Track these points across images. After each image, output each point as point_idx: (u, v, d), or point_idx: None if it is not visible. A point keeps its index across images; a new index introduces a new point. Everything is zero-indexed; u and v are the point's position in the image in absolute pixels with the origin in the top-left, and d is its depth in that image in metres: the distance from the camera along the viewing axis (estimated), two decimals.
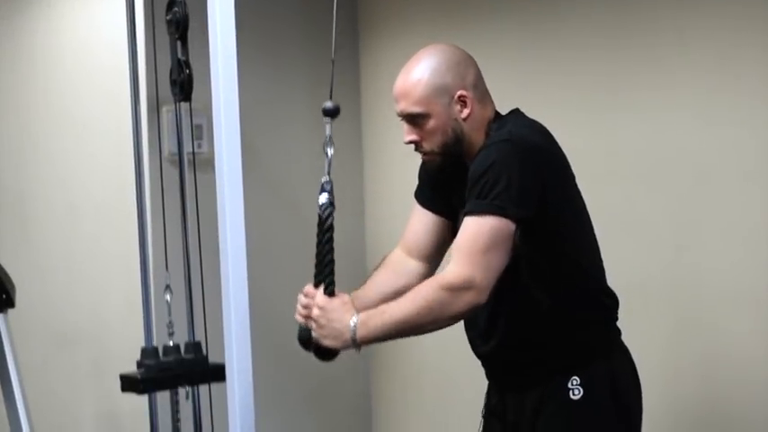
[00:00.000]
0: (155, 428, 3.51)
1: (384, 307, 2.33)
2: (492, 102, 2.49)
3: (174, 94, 3.44)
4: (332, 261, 2.39)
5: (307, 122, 4.07)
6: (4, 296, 3.10)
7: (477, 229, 2.27)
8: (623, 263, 3.38)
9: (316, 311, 2.35)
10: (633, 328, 3.36)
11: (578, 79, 3.54)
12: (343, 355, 3.84)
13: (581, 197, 2.49)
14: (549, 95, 3.60)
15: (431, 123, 2.40)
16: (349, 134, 4.28)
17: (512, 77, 3.72)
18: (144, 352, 3.37)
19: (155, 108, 3.69)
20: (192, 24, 3.30)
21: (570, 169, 2.46)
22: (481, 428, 2.62)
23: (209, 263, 3.28)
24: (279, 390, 4.07)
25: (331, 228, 2.38)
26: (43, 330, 4.42)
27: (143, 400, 3.54)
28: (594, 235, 2.52)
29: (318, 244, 2.40)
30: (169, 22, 3.37)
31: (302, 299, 2.43)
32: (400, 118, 2.45)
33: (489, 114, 2.46)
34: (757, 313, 3.11)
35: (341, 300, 2.37)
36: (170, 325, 3.39)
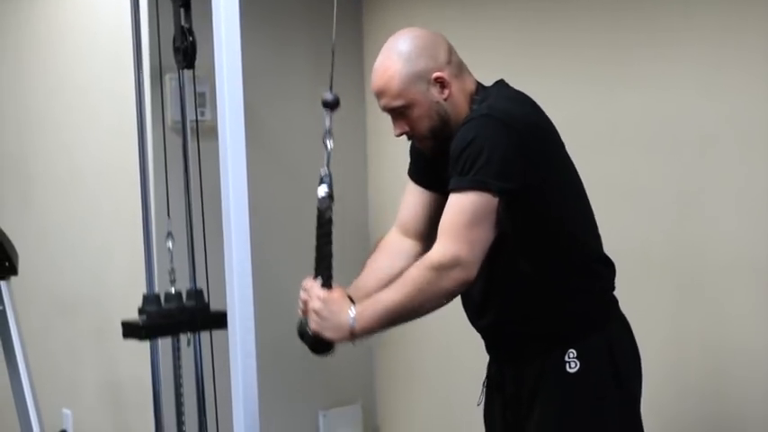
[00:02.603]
0: (156, 376, 3.52)
1: (377, 295, 2.33)
2: (470, 73, 2.47)
3: (178, 62, 3.44)
4: (330, 254, 2.39)
5: (310, 90, 4.05)
6: (6, 263, 3.11)
7: (459, 205, 2.27)
8: (625, 232, 3.39)
9: (316, 304, 2.35)
10: (635, 296, 3.36)
11: (581, 49, 3.53)
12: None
13: (571, 166, 2.47)
14: (552, 66, 3.60)
15: (415, 112, 2.39)
16: (352, 117, 4.28)
17: (515, 50, 3.72)
18: (145, 299, 3.36)
19: (158, 75, 3.68)
20: None
21: (558, 138, 2.44)
22: (483, 399, 2.63)
23: (211, 230, 3.29)
24: (280, 340, 4.08)
25: (330, 221, 2.38)
26: (45, 297, 4.43)
27: (144, 365, 3.55)
28: (588, 203, 2.50)
29: (317, 237, 2.39)
30: None
31: (302, 293, 2.42)
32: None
33: (470, 87, 2.45)
34: (758, 282, 3.11)
35: (339, 292, 2.37)
36: (172, 272, 3.38)
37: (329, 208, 2.37)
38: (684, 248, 3.31)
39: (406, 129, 2.43)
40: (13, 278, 3.13)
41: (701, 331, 3.27)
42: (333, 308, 2.34)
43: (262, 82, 4.00)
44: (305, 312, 2.40)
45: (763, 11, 3.07)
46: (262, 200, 3.49)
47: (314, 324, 2.36)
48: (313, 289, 2.38)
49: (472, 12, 3.86)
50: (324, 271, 2.39)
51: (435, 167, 2.45)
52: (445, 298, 2.31)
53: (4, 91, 4.69)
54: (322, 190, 2.37)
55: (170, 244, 3.42)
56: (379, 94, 2.42)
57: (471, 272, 2.27)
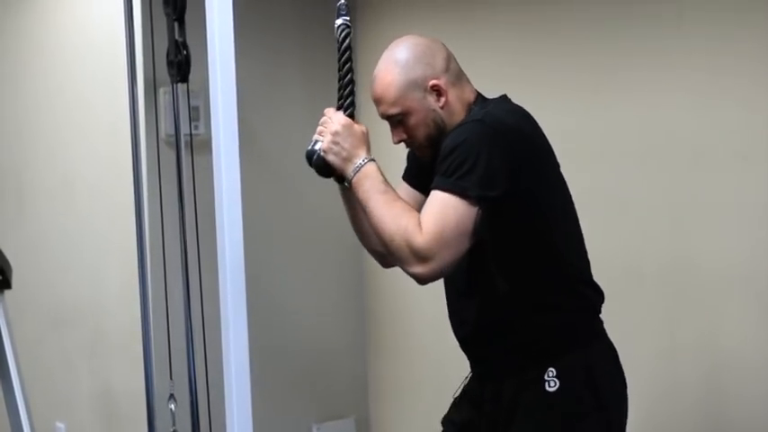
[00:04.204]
0: (149, 389, 3.52)
1: (388, 192, 2.30)
2: (469, 83, 2.47)
3: (171, 76, 3.45)
4: (352, 81, 2.38)
5: (304, 104, 4.07)
6: (0, 277, 3.10)
7: (441, 206, 2.25)
8: (618, 243, 3.40)
9: (338, 127, 2.34)
10: (628, 308, 3.38)
11: (575, 60, 3.54)
12: (340, 322, 3.88)
13: (563, 187, 2.45)
14: (546, 76, 3.61)
15: (412, 120, 2.40)
16: None
17: (509, 59, 3.73)
18: None
19: (152, 89, 3.69)
20: (190, 5, 3.29)
21: (552, 157, 2.43)
22: (449, 410, 2.60)
23: (205, 245, 3.29)
24: (274, 354, 4.09)
25: (349, 48, 2.38)
26: (39, 309, 4.43)
27: (139, 379, 3.55)
28: (578, 226, 2.47)
29: (339, 67, 2.38)
30: (166, 3, 3.37)
31: (322, 118, 2.41)
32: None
33: (468, 96, 2.45)
34: (752, 293, 3.12)
35: (362, 129, 2.37)
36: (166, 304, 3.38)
37: (348, 35, 2.38)
38: (677, 260, 3.31)
39: (404, 136, 2.43)
40: (6, 291, 3.13)
41: (694, 343, 3.28)
42: (352, 140, 2.35)
43: (255, 96, 4.01)
44: (320, 133, 2.39)
45: (755, 21, 3.08)
46: (255, 213, 3.50)
47: (326, 144, 2.35)
48: (337, 115, 2.38)
49: (466, 22, 3.87)
50: (346, 99, 2.39)
51: (430, 171, 2.42)
52: (398, 265, 2.30)
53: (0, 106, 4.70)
54: (339, 20, 2.38)
55: (164, 258, 3.42)
56: (377, 102, 2.42)
57: (435, 273, 2.26)
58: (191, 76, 3.41)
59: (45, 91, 4.38)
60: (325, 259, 4.25)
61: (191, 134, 3.54)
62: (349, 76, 2.38)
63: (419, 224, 2.24)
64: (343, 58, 2.38)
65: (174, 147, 3.53)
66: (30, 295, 4.30)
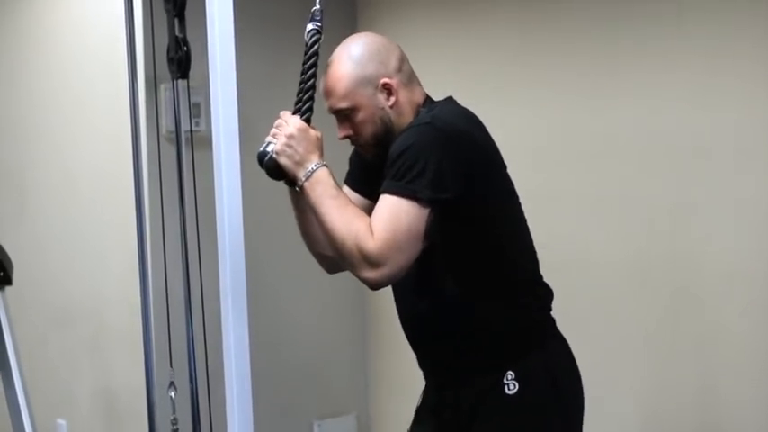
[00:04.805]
0: (150, 385, 3.51)
1: (340, 197, 2.28)
2: (420, 85, 2.46)
3: (172, 72, 3.44)
4: (313, 87, 2.37)
5: None
6: (1, 274, 3.10)
7: (393, 210, 2.23)
8: (619, 242, 3.40)
9: (293, 130, 2.32)
10: (630, 306, 3.38)
11: (575, 60, 3.54)
12: (341, 318, 3.85)
13: (510, 186, 2.44)
14: (546, 76, 3.60)
15: (359, 116, 2.38)
16: None
17: (508, 59, 3.72)
18: None
19: (152, 86, 3.69)
20: (190, 2, 3.29)
21: (498, 157, 2.41)
22: (411, 425, 2.60)
23: (206, 240, 3.29)
24: (275, 350, 4.09)
25: (316, 54, 2.36)
26: (40, 306, 4.43)
27: (138, 374, 3.55)
28: (526, 227, 2.46)
29: (302, 71, 2.37)
30: (167, 0, 3.37)
31: (278, 120, 2.39)
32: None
33: (418, 99, 2.43)
34: (754, 292, 3.12)
35: (317, 134, 2.34)
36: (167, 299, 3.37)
37: (317, 41, 2.37)
38: (679, 259, 3.31)
39: (350, 132, 2.41)
40: (7, 288, 3.13)
41: (696, 341, 3.27)
42: (306, 144, 2.32)
43: (256, 92, 4.00)
44: (274, 135, 2.36)
45: (755, 21, 3.08)
46: (256, 209, 3.48)
47: (280, 146, 2.32)
48: (293, 118, 2.35)
49: (465, 21, 3.87)
50: (304, 104, 2.37)
51: (376, 177, 2.39)
52: (349, 270, 2.28)
53: (1, 102, 4.68)
54: (311, 24, 2.37)
55: (164, 254, 3.41)
56: (327, 95, 2.41)
57: (386, 278, 2.23)
58: (191, 73, 3.41)
59: (46, 88, 4.38)
60: None
61: (191, 130, 3.54)
62: (311, 81, 2.37)
63: (370, 229, 2.22)
64: (308, 63, 2.37)
65: (175, 143, 3.52)
66: (31, 292, 4.30)
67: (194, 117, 3.63)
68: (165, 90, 3.69)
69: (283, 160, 2.33)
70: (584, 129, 3.50)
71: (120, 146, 3.72)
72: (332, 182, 2.30)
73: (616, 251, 3.40)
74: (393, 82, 2.38)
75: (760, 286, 3.10)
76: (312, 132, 2.34)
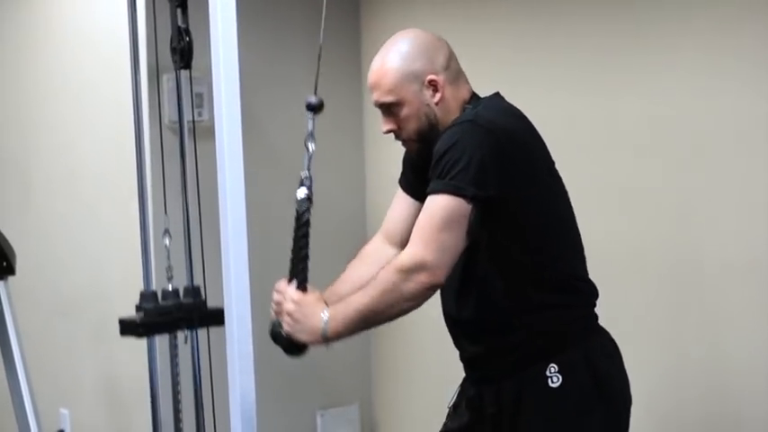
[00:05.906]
0: (153, 375, 3.52)
1: (349, 298, 2.33)
2: (467, 83, 2.47)
3: (175, 62, 3.44)
4: (307, 256, 2.39)
5: (307, 90, 4.03)
6: (4, 263, 3.11)
7: (432, 209, 2.26)
8: (623, 234, 3.40)
9: (290, 306, 2.35)
10: (633, 298, 3.38)
11: (579, 53, 3.53)
12: None
13: (556, 182, 2.45)
14: (550, 69, 3.60)
15: (404, 111, 2.40)
16: (350, 120, 4.31)
17: (513, 53, 3.72)
18: (143, 296, 3.35)
19: (155, 76, 3.69)
20: None
21: (544, 153, 2.43)
22: (446, 420, 2.59)
23: (208, 229, 3.29)
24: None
25: (307, 223, 2.39)
26: (43, 296, 4.44)
27: (141, 363, 3.56)
28: (574, 225, 2.47)
29: (294, 239, 2.40)
30: None
31: (275, 295, 2.42)
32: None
33: (464, 96, 2.44)
34: (758, 283, 3.11)
35: (313, 295, 2.37)
36: (169, 269, 3.36)
37: (308, 210, 2.39)
38: (682, 250, 3.31)
39: (394, 127, 2.44)
40: (11, 278, 3.14)
41: (700, 332, 3.27)
42: (306, 311, 2.34)
43: (259, 82, 4.01)
44: (278, 314, 2.40)
45: (759, 15, 3.07)
46: (258, 199, 3.50)
47: (287, 326, 2.36)
48: (287, 291, 2.38)
49: (470, 15, 3.86)
50: (299, 273, 2.39)
51: (424, 177, 2.42)
52: (410, 301, 2.28)
53: (3, 93, 4.69)
54: (301, 192, 2.39)
55: (167, 241, 3.41)
56: (373, 88, 2.43)
57: (437, 277, 2.26)
58: (194, 63, 3.41)
59: (49, 79, 4.39)
60: (328, 244, 4.24)
61: (194, 121, 3.54)
62: (305, 250, 2.39)
63: (388, 261, 2.30)
64: (301, 233, 2.39)
65: (178, 133, 3.52)
66: (34, 282, 4.31)
67: (197, 107, 3.63)
68: (167, 80, 3.69)
69: (300, 336, 2.36)
70: (587, 122, 3.49)
71: (122, 136, 3.72)
72: (339, 306, 2.32)
73: (618, 243, 3.40)
74: (439, 79, 2.40)
75: (765, 278, 3.10)
76: (309, 297, 2.37)
